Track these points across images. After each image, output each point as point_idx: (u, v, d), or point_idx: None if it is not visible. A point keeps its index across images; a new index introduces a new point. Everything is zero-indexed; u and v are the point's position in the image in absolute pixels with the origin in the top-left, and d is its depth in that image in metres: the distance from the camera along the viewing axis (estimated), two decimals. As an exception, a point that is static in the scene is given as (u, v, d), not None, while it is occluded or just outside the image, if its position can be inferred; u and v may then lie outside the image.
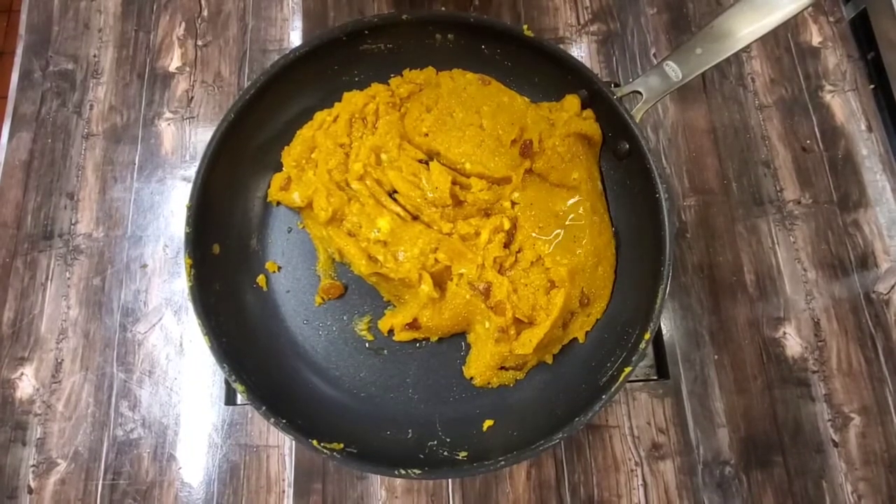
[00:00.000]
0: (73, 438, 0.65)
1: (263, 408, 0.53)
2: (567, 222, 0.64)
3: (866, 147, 0.78)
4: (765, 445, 0.67)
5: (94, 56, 0.80)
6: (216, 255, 0.61)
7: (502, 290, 0.60)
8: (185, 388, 0.67)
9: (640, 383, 0.69)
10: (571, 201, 0.64)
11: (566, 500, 0.65)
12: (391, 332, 0.63)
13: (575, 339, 0.63)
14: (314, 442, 0.53)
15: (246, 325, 0.62)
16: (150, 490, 0.64)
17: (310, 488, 0.64)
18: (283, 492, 0.64)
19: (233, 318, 0.60)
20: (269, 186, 0.66)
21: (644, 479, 0.66)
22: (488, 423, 0.60)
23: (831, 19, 0.83)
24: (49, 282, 0.71)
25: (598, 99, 0.63)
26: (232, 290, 0.62)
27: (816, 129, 0.79)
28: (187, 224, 0.57)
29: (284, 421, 0.53)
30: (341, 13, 0.83)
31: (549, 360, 0.63)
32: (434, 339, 0.63)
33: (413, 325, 0.61)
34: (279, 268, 0.66)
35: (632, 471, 0.66)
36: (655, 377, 0.70)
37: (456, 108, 0.65)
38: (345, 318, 0.65)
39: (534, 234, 0.63)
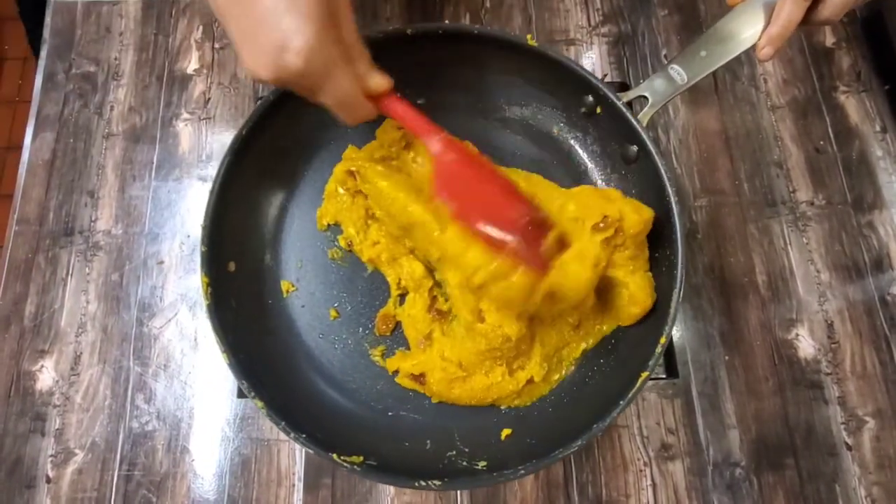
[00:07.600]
0: (90, 430, 0.67)
1: (283, 423, 0.53)
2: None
3: (881, 148, 0.77)
4: (776, 448, 0.66)
5: (115, 59, 0.82)
6: (231, 273, 0.62)
7: None
8: (199, 382, 0.69)
9: (650, 383, 0.69)
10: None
11: (574, 500, 0.65)
12: (396, 372, 0.63)
13: None
14: (334, 456, 0.53)
15: (263, 341, 0.62)
16: (163, 481, 0.65)
17: (319, 483, 0.65)
18: (293, 485, 0.65)
19: (250, 334, 0.60)
20: (279, 201, 0.67)
21: (653, 480, 0.65)
22: (506, 432, 0.60)
23: (845, 20, 0.82)
24: (69, 277, 0.72)
25: (604, 105, 0.63)
26: (248, 307, 0.62)
27: (830, 130, 0.78)
28: (202, 243, 0.58)
29: (304, 435, 0.53)
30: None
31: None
32: (435, 401, 0.62)
33: (418, 379, 0.61)
34: (293, 283, 0.67)
35: (641, 471, 0.66)
36: (664, 376, 0.70)
37: None
38: (360, 330, 0.65)
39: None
